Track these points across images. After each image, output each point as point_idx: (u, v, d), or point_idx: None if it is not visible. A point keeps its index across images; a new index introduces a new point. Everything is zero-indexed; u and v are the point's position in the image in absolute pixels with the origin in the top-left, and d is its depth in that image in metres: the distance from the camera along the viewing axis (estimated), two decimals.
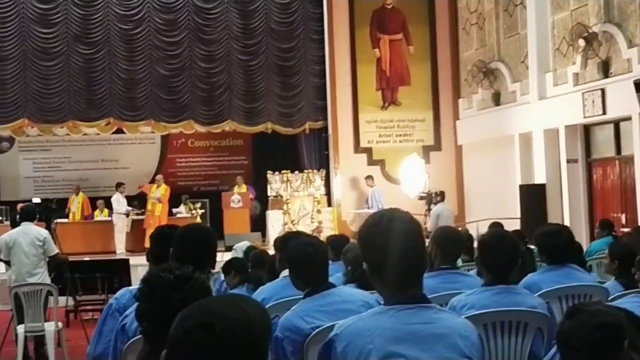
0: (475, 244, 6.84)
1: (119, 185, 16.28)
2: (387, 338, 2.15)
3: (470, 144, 16.12)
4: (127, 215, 15.98)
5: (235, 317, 1.46)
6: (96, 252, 14.64)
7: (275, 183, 16.42)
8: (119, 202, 15.93)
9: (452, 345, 2.18)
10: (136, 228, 15.88)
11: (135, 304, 2.74)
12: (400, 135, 16.64)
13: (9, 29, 15.68)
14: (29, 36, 15.73)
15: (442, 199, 13.18)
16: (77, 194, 16.42)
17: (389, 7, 16.63)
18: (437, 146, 16.65)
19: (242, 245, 7.25)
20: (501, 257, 3.43)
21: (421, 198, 14.22)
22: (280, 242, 4.73)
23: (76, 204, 16.26)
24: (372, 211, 14.50)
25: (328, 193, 16.45)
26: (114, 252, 15.21)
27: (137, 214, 16.27)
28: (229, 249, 11.48)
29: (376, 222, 2.24)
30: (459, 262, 5.44)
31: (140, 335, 2.65)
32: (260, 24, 16.46)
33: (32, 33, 15.74)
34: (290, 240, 3.89)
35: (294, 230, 12.45)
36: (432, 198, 13.65)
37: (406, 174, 15.57)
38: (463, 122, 16.29)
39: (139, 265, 11.22)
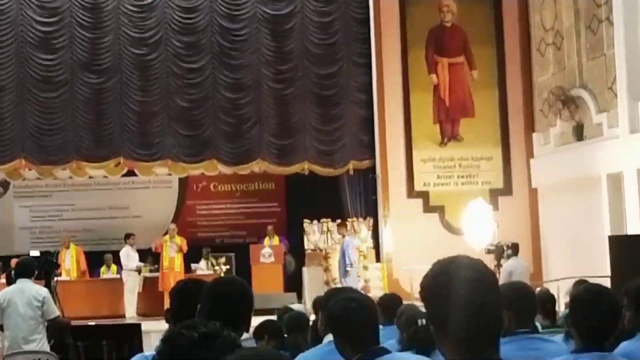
0: (558, 307, 6.74)
1: (128, 236, 16.42)
2: None
3: (548, 186, 15.97)
4: (139, 272, 16.10)
5: None
6: (103, 316, 14.75)
7: (314, 234, 16.49)
8: (128, 256, 16.07)
9: None
10: (149, 287, 15.99)
11: None
12: (462, 177, 16.58)
13: (5, 55, 16.11)
14: (28, 63, 16.13)
15: (515, 253, 13.02)
16: (67, 248, 16.48)
17: (448, 25, 16.74)
18: (507, 189, 16.53)
19: (298, 307, 7.25)
20: (597, 316, 3.37)
21: (489, 252, 14.06)
22: (321, 300, 4.73)
23: (69, 259, 16.34)
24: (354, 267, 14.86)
25: (377, 246, 16.41)
26: (124, 316, 15.32)
27: (151, 270, 16.38)
28: (259, 312, 11.50)
29: (443, 270, 2.24)
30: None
31: None
32: (296, 47, 16.68)
33: (32, 59, 16.15)
34: (331, 298, 3.89)
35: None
36: (503, 252, 13.51)
37: (470, 222, 15.45)
38: (538, 161, 16.18)
39: (153, 332, 11.30)
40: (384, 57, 16.55)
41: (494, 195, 16.38)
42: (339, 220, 16.40)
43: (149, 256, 16.94)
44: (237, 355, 1.52)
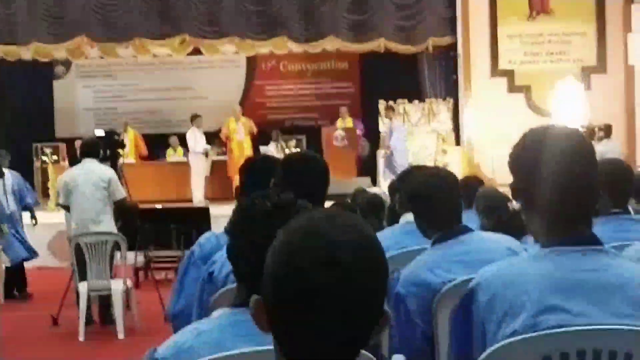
0: None
1: (194, 117, 16.50)
2: (546, 287, 2.12)
3: None
4: (206, 155, 16.31)
5: (363, 244, 1.43)
6: (170, 199, 15.11)
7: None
8: (195, 139, 16.23)
9: (631, 300, 2.13)
10: (218, 171, 16.25)
11: (224, 248, 2.80)
12: (552, 54, 16.17)
13: None
14: None
15: (608, 135, 12.84)
16: (125, 131, 16.57)
17: None
18: (601, 67, 16.09)
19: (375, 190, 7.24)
20: None
21: None
22: (400, 178, 4.72)
23: (128, 143, 16.47)
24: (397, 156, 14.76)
25: (456, 128, 16.29)
26: (191, 201, 15.66)
27: (219, 154, 16.58)
28: (332, 197, 11.61)
29: (536, 139, 2.20)
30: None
31: (232, 285, 2.72)
32: None
33: None
34: (410, 174, 3.89)
35: None
36: (595, 134, 13.31)
37: (559, 103, 15.21)
38: (637, 36, 15.68)
39: (222, 216, 11.52)
40: None
41: (586, 74, 15.98)
42: (416, 101, 16.27)
43: (216, 139, 17.10)
44: (307, 220, 1.49)
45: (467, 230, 3.37)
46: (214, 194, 15.78)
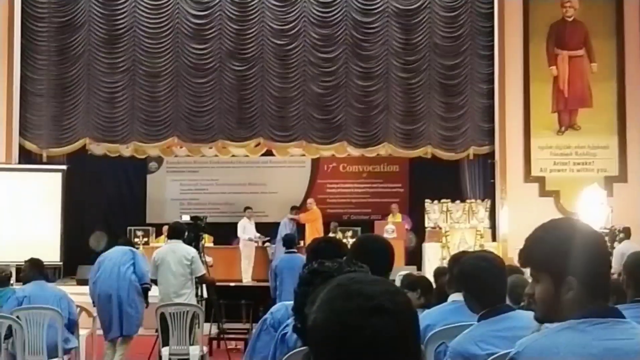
0: None
1: (245, 209, 16.82)
2: (581, 357, 2.07)
3: None
4: (262, 243, 16.47)
5: (393, 290, 1.42)
6: (236, 279, 15.13)
7: (434, 213, 16.28)
8: (244, 228, 16.33)
9: None
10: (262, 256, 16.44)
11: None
12: (578, 164, 16.05)
13: (164, 45, 16.58)
14: (183, 52, 16.56)
15: (628, 236, 12.55)
16: None
17: (570, 19, 16.16)
18: (622, 177, 15.89)
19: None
20: None
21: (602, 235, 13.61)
22: (450, 262, 4.68)
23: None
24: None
25: (493, 226, 16.12)
26: (258, 280, 15.61)
27: (264, 243, 16.76)
28: None
29: (571, 226, 2.21)
30: None
31: (302, 347, 2.70)
32: (423, 39, 16.48)
33: (186, 49, 16.57)
34: (461, 257, 3.85)
35: None
36: (616, 235, 13.03)
37: (585, 207, 14.97)
38: None
39: None
40: (507, 49, 16.13)
41: (609, 182, 15.78)
42: (457, 201, 16.19)
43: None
44: (343, 281, 1.46)
45: (509, 308, 3.32)
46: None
